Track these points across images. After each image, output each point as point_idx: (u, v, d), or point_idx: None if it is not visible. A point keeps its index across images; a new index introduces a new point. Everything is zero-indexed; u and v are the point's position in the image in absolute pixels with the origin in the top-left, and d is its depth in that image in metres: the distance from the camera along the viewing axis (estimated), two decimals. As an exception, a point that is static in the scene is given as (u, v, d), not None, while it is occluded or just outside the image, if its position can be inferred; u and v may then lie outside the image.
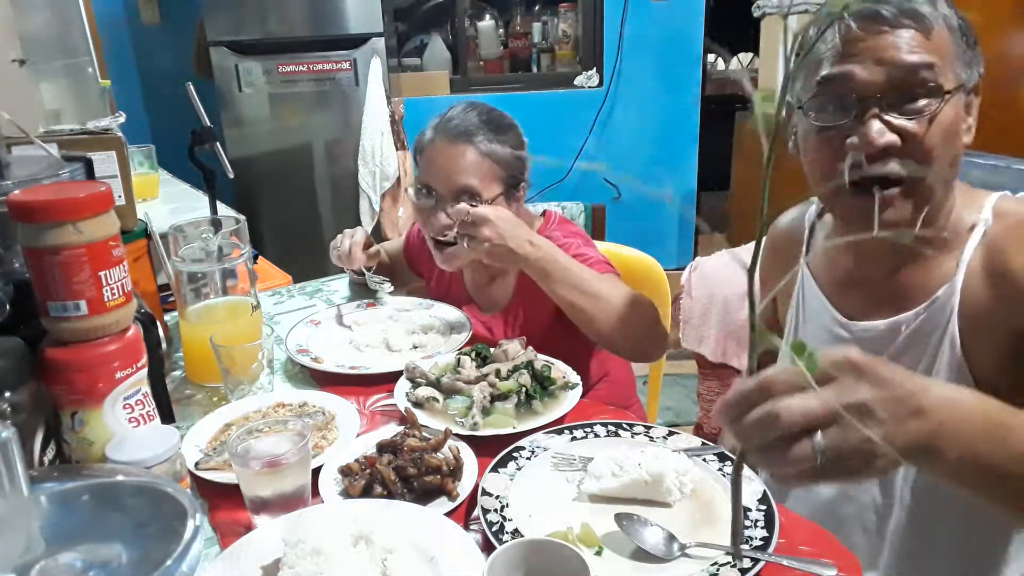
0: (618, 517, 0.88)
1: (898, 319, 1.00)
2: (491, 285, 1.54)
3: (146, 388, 0.92)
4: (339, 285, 1.75)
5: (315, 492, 0.95)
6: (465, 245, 1.26)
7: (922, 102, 0.89)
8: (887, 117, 0.89)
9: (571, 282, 1.24)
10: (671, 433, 1.07)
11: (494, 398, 1.14)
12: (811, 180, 1.01)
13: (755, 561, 0.81)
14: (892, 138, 0.89)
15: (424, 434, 1.02)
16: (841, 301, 1.09)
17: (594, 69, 3.95)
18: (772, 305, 1.24)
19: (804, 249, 1.17)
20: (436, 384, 1.19)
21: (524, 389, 1.14)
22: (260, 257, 1.97)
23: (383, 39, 3.25)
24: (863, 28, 0.89)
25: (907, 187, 0.91)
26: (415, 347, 1.40)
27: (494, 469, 0.99)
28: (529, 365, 1.19)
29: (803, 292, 1.16)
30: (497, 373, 1.19)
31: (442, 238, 1.40)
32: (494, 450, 1.02)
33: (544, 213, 1.54)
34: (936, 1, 0.91)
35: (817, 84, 0.93)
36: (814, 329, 1.12)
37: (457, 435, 1.05)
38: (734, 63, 4.50)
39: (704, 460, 1.00)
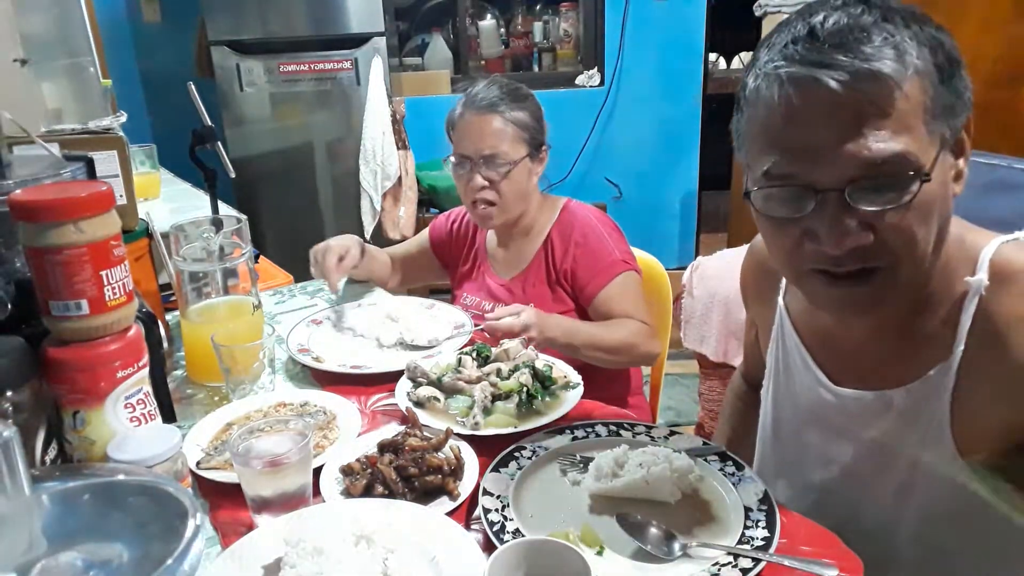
0: (619, 517, 0.88)
1: (887, 394, 0.89)
2: (508, 251, 1.68)
3: (147, 387, 0.92)
4: (338, 285, 1.75)
5: (316, 491, 0.95)
6: (528, 342, 1.33)
7: (895, 193, 0.73)
8: (854, 207, 0.73)
9: (591, 346, 1.42)
10: (672, 433, 1.07)
11: (495, 398, 1.14)
12: (771, 258, 0.89)
13: (756, 561, 0.81)
14: (860, 239, 0.74)
15: (425, 434, 1.02)
16: (825, 360, 0.97)
17: (595, 68, 3.95)
18: (754, 330, 1.18)
19: (783, 286, 1.04)
20: (437, 384, 1.19)
21: (525, 389, 1.14)
22: (261, 256, 1.97)
23: (384, 38, 3.25)
24: (808, 102, 0.72)
25: (881, 278, 0.78)
26: (401, 342, 1.40)
27: (495, 469, 0.99)
28: (530, 365, 1.19)
29: (783, 337, 1.04)
30: (498, 373, 1.19)
31: (477, 197, 1.56)
32: (495, 450, 1.02)
33: (565, 204, 1.66)
34: (902, 46, 0.71)
35: (764, 175, 0.78)
36: (800, 387, 1.01)
37: (458, 435, 1.05)
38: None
39: (705, 460, 1.00)
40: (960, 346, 0.82)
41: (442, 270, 1.83)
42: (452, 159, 1.61)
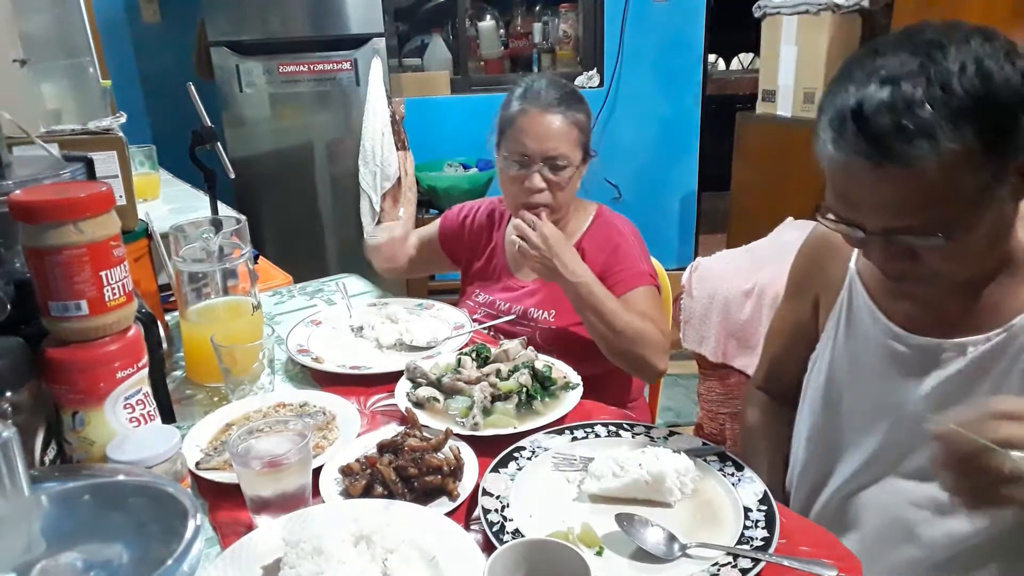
0: (619, 517, 0.88)
1: (964, 341, 0.94)
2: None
3: (147, 388, 0.92)
4: (339, 285, 1.75)
5: (316, 492, 0.95)
6: (517, 248, 1.39)
7: (927, 240, 0.82)
8: (896, 244, 0.85)
9: (597, 311, 1.39)
10: (672, 433, 1.07)
11: (495, 398, 1.14)
12: None
13: (756, 561, 0.81)
14: (904, 266, 0.86)
15: (425, 434, 1.02)
16: (893, 310, 1.01)
17: (595, 69, 3.95)
18: (811, 309, 1.16)
19: (855, 255, 1.08)
20: (437, 384, 1.19)
21: (525, 389, 1.14)
22: (260, 257, 1.97)
23: (384, 39, 3.25)
24: (847, 172, 0.82)
25: (923, 283, 0.90)
26: (401, 343, 1.40)
27: (495, 469, 0.99)
28: (530, 365, 1.20)
29: (850, 299, 1.08)
30: (498, 373, 1.19)
31: (533, 200, 1.49)
32: (495, 450, 1.02)
33: (598, 211, 1.63)
34: (938, 133, 0.75)
35: (825, 206, 0.89)
36: (863, 341, 1.05)
37: (458, 435, 1.05)
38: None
39: (705, 460, 1.00)
40: None
41: (451, 265, 1.78)
42: (505, 156, 1.52)
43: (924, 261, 0.85)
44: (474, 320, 1.54)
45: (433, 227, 1.79)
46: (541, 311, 1.55)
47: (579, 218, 1.60)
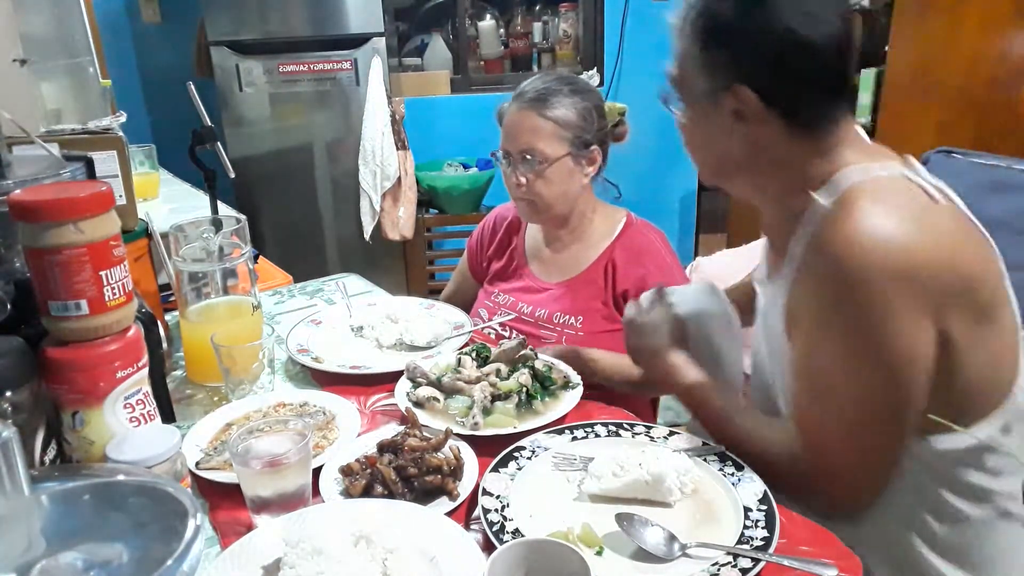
0: (619, 517, 0.88)
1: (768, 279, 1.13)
2: (557, 254, 1.64)
3: (147, 387, 0.92)
4: (339, 285, 1.75)
5: (316, 492, 0.95)
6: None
7: (678, 104, 1.08)
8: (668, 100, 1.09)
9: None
10: (672, 433, 1.07)
11: (495, 398, 1.14)
12: None
13: (756, 561, 0.81)
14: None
15: (425, 434, 1.02)
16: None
17: (595, 69, 3.95)
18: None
19: None
20: (437, 384, 1.19)
21: (525, 389, 1.14)
22: (261, 257, 1.97)
23: (384, 39, 3.25)
24: None
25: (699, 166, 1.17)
26: (400, 343, 1.40)
27: (495, 469, 0.99)
28: (530, 365, 1.20)
29: None
30: (498, 373, 1.19)
31: (516, 194, 1.58)
32: (495, 450, 1.02)
33: (627, 219, 1.62)
34: (688, 12, 0.98)
35: None
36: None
37: (458, 435, 1.05)
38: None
39: (704, 460, 1.00)
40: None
41: (475, 285, 1.80)
42: (499, 154, 1.59)
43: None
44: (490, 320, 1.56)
45: (462, 267, 1.82)
46: (567, 316, 1.54)
47: (607, 224, 1.60)
